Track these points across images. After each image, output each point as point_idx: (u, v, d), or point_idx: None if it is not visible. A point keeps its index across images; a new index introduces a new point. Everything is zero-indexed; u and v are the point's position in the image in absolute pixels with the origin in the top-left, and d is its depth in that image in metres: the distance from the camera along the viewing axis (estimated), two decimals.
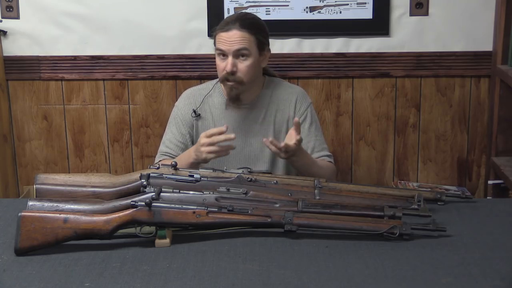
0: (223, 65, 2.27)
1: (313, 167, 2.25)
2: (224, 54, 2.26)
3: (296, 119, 2.14)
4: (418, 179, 3.18)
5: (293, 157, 2.17)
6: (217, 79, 2.42)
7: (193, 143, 2.39)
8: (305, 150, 2.31)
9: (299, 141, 2.11)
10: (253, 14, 2.43)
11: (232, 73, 2.25)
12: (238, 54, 2.25)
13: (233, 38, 2.23)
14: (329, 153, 2.39)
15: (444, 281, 1.52)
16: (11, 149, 3.17)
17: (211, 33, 2.36)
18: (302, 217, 1.73)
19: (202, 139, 2.12)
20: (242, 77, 2.27)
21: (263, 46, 2.31)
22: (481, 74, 3.07)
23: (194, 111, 2.38)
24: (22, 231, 1.66)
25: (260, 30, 2.31)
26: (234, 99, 2.32)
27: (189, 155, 2.21)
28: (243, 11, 2.89)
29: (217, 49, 2.28)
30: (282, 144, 2.09)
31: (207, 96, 2.40)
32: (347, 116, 3.13)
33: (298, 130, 2.12)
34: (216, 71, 2.35)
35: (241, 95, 2.32)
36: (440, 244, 1.71)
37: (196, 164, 2.17)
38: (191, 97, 2.43)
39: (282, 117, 2.39)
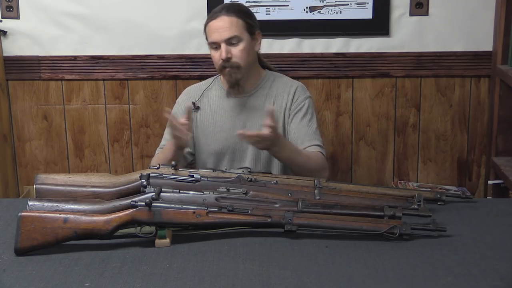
0: (218, 55, 2.29)
1: (299, 158, 2.21)
2: (216, 45, 2.28)
3: (269, 106, 2.12)
4: (418, 179, 3.18)
5: (274, 148, 2.13)
6: (216, 76, 2.44)
7: (192, 136, 2.40)
8: (292, 140, 2.30)
9: (271, 128, 2.05)
10: (239, 3, 2.45)
11: (227, 59, 2.27)
12: (230, 41, 2.27)
13: (222, 25, 2.26)
14: (319, 144, 2.32)
15: (444, 281, 1.52)
16: (11, 149, 3.17)
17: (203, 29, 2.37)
18: (302, 217, 1.73)
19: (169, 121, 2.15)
20: (238, 61, 2.28)
21: (252, 29, 2.32)
22: (481, 74, 3.07)
23: (194, 103, 2.41)
24: (22, 231, 1.66)
25: (247, 14, 2.34)
26: (234, 84, 2.33)
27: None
28: None
29: (209, 43, 2.31)
30: (253, 133, 2.08)
31: (207, 90, 2.44)
32: (347, 116, 3.13)
33: (271, 118, 2.05)
34: (215, 69, 2.37)
35: (241, 81, 2.33)
36: (440, 244, 1.71)
37: (176, 148, 2.19)
38: (190, 92, 2.48)
39: (279, 107, 2.38)
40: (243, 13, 2.32)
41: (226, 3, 2.39)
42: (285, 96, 2.39)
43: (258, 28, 2.36)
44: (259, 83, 2.40)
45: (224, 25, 2.26)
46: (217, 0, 2.96)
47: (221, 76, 2.42)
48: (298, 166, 2.18)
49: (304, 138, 2.32)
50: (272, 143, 2.12)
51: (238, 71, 2.30)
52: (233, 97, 2.39)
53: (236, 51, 2.28)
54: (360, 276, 1.54)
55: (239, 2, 2.94)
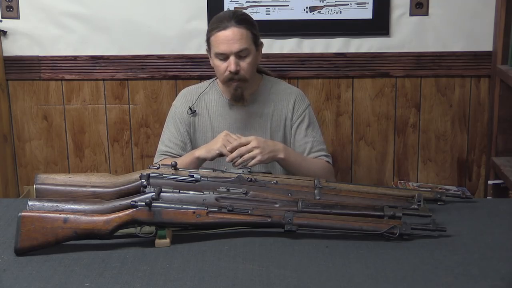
0: (225, 66, 2.26)
1: (304, 163, 2.27)
2: (224, 56, 2.25)
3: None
4: (418, 179, 3.18)
5: (278, 154, 2.18)
6: (213, 78, 2.43)
7: (191, 141, 2.39)
8: (299, 150, 2.34)
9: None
10: (244, 12, 2.43)
11: (236, 72, 2.25)
12: (239, 53, 2.25)
13: (231, 37, 2.22)
14: (326, 154, 2.39)
15: (444, 281, 1.52)
16: (11, 149, 3.17)
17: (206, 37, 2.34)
18: (302, 217, 1.73)
19: (224, 132, 2.17)
20: (245, 75, 2.27)
21: (257, 40, 2.31)
22: (481, 74, 3.07)
23: (190, 108, 2.39)
24: (22, 231, 1.65)
25: (253, 24, 2.31)
26: (240, 98, 2.32)
27: (193, 152, 2.22)
28: (243, 11, 2.89)
29: (216, 53, 2.26)
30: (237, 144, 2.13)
31: (203, 93, 2.41)
32: (347, 116, 3.13)
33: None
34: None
35: (244, 93, 2.32)
36: (440, 244, 1.71)
37: (199, 161, 2.18)
38: (187, 95, 2.44)
39: (279, 116, 2.39)
40: (250, 24, 2.28)
41: (230, 11, 2.35)
42: (284, 105, 2.39)
43: (259, 38, 2.35)
44: (257, 90, 2.39)
45: (235, 37, 2.22)
46: (217, 1, 2.97)
47: (218, 81, 2.40)
48: (304, 173, 2.18)
49: (311, 150, 2.37)
50: (273, 150, 2.16)
51: (244, 84, 2.29)
52: (231, 105, 2.38)
53: (244, 64, 2.26)
54: (360, 276, 1.54)
55: (239, 2, 2.95)
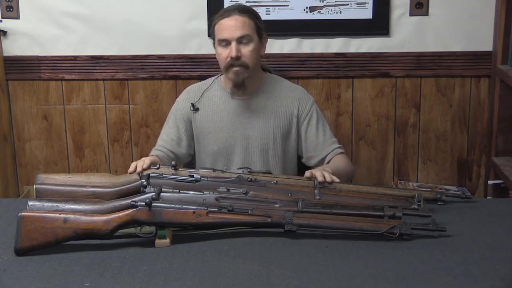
0: (226, 52, 2.27)
1: (343, 172, 2.23)
2: (226, 42, 2.27)
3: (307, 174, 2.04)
4: (418, 179, 3.18)
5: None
6: (217, 76, 2.44)
7: (192, 136, 2.41)
8: (311, 147, 2.36)
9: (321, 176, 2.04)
10: (248, 6, 2.45)
11: (237, 58, 2.26)
12: (241, 40, 2.26)
13: (234, 23, 2.25)
14: (339, 145, 2.40)
15: (444, 281, 1.52)
16: (11, 149, 3.17)
17: (210, 24, 2.35)
18: (302, 217, 1.73)
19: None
20: (247, 61, 2.28)
21: (261, 32, 2.34)
22: (481, 74, 3.07)
23: (192, 105, 2.40)
24: (22, 231, 1.66)
25: (258, 17, 2.34)
26: (240, 85, 2.32)
27: None
28: None
29: (218, 40, 2.28)
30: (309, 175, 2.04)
31: (207, 90, 2.42)
32: (347, 116, 3.13)
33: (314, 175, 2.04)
34: (215, 69, 2.36)
35: (246, 82, 2.32)
36: (440, 244, 1.71)
37: None
38: (190, 92, 2.46)
39: (284, 113, 2.39)
40: (254, 15, 2.32)
41: (235, 4, 2.38)
42: (289, 102, 2.39)
43: (265, 33, 2.37)
44: (260, 85, 2.40)
45: (237, 24, 2.25)
46: (217, 0, 2.97)
47: (222, 77, 2.41)
48: (344, 176, 2.19)
49: (324, 145, 2.38)
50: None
51: (246, 71, 2.29)
52: (235, 98, 2.38)
53: (246, 51, 2.27)
54: (360, 276, 1.55)
55: (240, 2, 2.95)
